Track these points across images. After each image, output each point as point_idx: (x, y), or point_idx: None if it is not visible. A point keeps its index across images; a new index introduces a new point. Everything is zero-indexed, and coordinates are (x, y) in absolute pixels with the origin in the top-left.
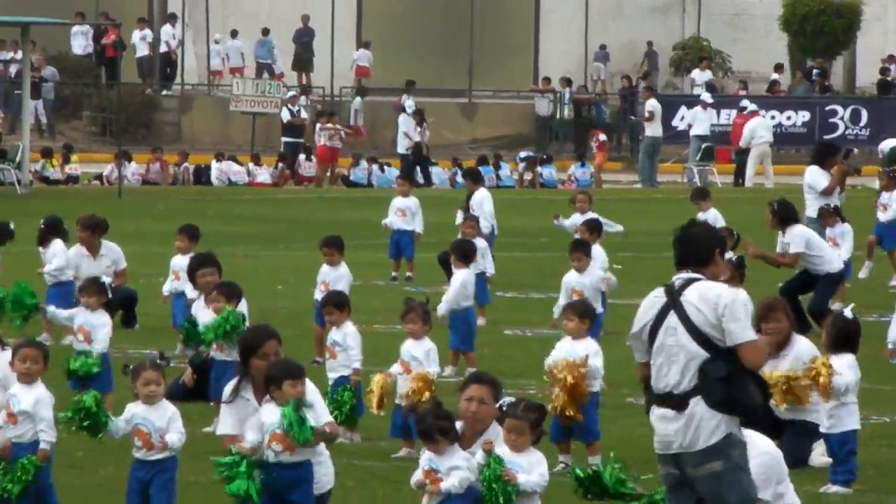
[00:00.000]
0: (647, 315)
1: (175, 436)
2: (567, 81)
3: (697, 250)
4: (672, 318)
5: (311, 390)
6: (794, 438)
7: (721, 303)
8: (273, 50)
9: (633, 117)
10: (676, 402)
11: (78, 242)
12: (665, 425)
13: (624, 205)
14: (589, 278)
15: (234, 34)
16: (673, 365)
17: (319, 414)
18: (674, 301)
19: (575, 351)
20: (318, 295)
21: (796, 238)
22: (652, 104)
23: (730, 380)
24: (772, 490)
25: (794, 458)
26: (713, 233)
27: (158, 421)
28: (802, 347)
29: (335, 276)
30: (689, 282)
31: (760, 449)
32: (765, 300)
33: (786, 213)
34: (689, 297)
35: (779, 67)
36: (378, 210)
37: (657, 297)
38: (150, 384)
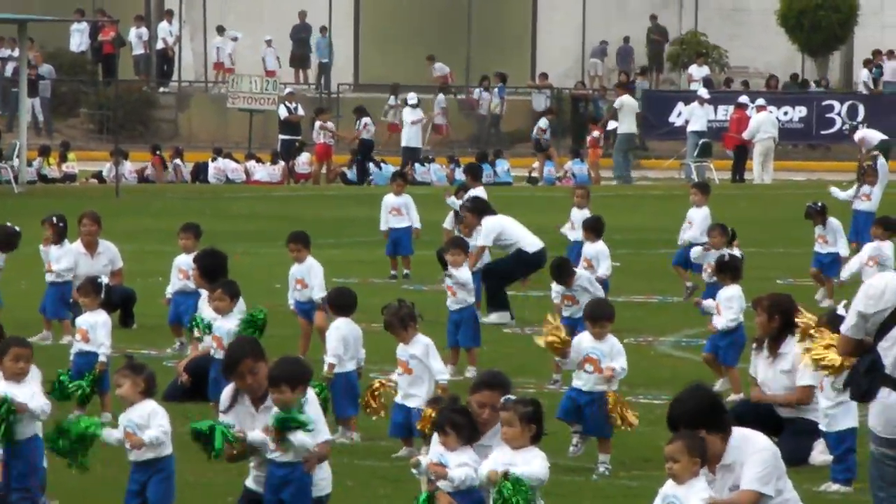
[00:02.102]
0: (888, 298)
1: (153, 432)
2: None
3: None
4: None
5: (312, 402)
6: (795, 437)
7: None
8: (331, 47)
9: (607, 118)
10: None
11: (78, 239)
12: None
13: (620, 201)
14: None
15: (219, 30)
16: None
17: (315, 431)
18: None
19: (598, 348)
20: (295, 296)
21: (483, 231)
22: (622, 101)
23: None
24: (773, 485)
25: (795, 457)
26: None
27: (139, 419)
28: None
29: (305, 270)
30: None
31: (760, 446)
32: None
33: (479, 206)
34: None
35: (794, 77)
36: (377, 207)
37: None
38: (116, 387)
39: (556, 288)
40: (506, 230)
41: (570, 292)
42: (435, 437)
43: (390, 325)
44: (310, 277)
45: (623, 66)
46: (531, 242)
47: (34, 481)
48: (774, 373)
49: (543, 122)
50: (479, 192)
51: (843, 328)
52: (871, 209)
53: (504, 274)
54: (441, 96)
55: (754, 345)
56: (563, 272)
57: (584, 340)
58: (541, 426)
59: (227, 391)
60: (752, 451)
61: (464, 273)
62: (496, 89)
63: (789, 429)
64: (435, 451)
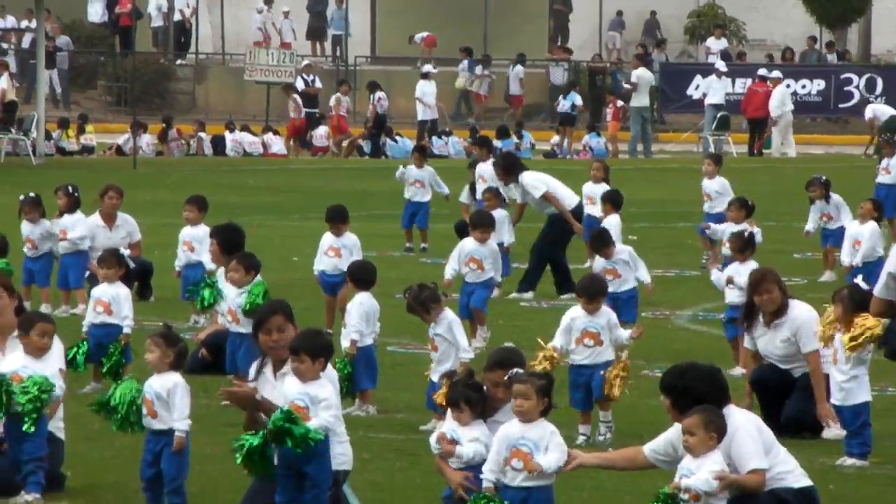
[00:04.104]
0: None
1: (182, 425)
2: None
3: None
4: None
5: (328, 382)
6: (809, 399)
7: None
8: (347, 19)
9: (627, 85)
10: None
11: (97, 211)
12: None
13: (639, 174)
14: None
15: (268, 3)
16: None
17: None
18: None
19: (594, 322)
20: (324, 265)
21: (534, 182)
22: (639, 74)
23: None
24: (768, 457)
25: (804, 417)
26: None
27: (160, 388)
28: (798, 312)
29: (348, 242)
30: None
31: (737, 422)
32: (757, 271)
33: (509, 162)
34: None
35: (813, 39)
36: (394, 180)
37: None
38: (146, 353)
39: (597, 263)
40: (548, 183)
41: (612, 265)
42: (450, 411)
43: (412, 309)
44: (351, 250)
45: (647, 39)
46: (569, 195)
47: (44, 450)
48: (773, 342)
49: (578, 99)
50: (489, 166)
51: (875, 290)
52: (893, 181)
53: (552, 251)
54: (519, 68)
55: (745, 323)
56: (602, 241)
57: (578, 317)
58: (551, 399)
59: (256, 363)
60: (731, 430)
61: (492, 247)
62: (464, 63)
63: (800, 386)
64: (448, 427)
